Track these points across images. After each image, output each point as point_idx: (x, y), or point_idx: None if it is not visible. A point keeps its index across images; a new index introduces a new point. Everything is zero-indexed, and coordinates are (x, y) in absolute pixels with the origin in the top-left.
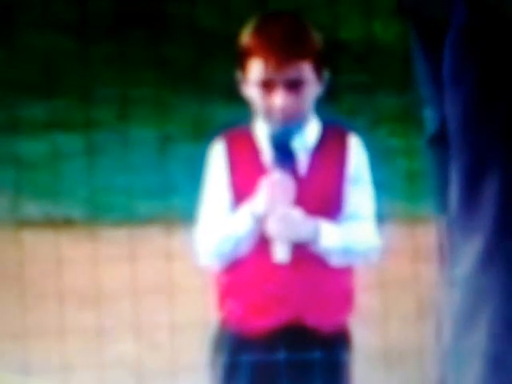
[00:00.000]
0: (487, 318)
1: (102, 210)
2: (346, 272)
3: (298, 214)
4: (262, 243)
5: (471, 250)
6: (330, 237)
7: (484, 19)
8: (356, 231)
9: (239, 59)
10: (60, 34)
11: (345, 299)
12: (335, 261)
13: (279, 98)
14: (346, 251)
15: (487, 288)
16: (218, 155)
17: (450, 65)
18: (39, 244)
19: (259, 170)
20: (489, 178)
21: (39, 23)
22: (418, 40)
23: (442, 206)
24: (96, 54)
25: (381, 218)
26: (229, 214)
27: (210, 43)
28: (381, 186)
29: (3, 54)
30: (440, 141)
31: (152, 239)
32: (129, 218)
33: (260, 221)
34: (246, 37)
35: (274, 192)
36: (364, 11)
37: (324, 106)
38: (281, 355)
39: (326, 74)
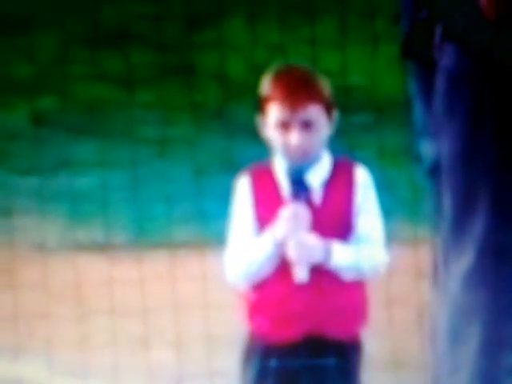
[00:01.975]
0: (476, 334)
1: (145, 236)
2: (358, 288)
3: (312, 239)
4: (284, 265)
5: (460, 268)
6: (341, 255)
7: (474, 62)
8: (365, 249)
9: (259, 105)
10: (108, 84)
11: (358, 312)
12: (347, 276)
13: (294, 137)
14: (356, 267)
15: (476, 305)
16: (243, 188)
17: (441, 103)
18: (90, 266)
19: (279, 201)
20: (478, 204)
21: (90, 74)
22: (417, 81)
23: (438, 228)
24: (139, 100)
25: (386, 239)
26: (253, 240)
27: (236, 89)
28: (386, 211)
29: (60, 101)
30: (436, 171)
31: (188, 261)
32: (168, 241)
33: (280, 246)
34: (264, 86)
35: (291, 221)
36: (370, 59)
37: (335, 142)
38: (302, 362)
39: (336, 115)
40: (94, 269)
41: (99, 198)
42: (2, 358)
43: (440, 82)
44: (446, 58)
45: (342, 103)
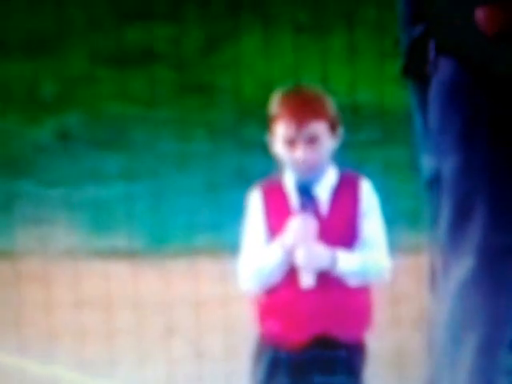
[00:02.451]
0: (475, 337)
1: (165, 243)
2: (363, 293)
3: (319, 247)
4: (293, 272)
5: (460, 272)
6: (346, 262)
7: (468, 75)
8: (369, 257)
9: (269, 124)
10: (130, 101)
11: (363, 316)
12: (352, 282)
13: (300, 153)
14: (361, 273)
15: (475, 308)
16: (255, 201)
17: (435, 115)
18: (115, 271)
19: (288, 212)
20: (475, 210)
21: (113, 92)
22: (415, 98)
23: (436, 236)
24: (159, 116)
25: (390, 246)
26: (264, 248)
27: (250, 107)
28: (390, 221)
29: (85, 117)
30: (434, 183)
31: (206, 266)
32: (186, 249)
33: (289, 253)
34: (273, 106)
35: (299, 230)
36: (378, 78)
37: (343, 156)
38: (310, 362)
39: (340, 131)
40: (118, 274)
41: (123, 209)
42: (35, 357)
43: (434, 95)
44: (440, 71)
45: (350, 120)
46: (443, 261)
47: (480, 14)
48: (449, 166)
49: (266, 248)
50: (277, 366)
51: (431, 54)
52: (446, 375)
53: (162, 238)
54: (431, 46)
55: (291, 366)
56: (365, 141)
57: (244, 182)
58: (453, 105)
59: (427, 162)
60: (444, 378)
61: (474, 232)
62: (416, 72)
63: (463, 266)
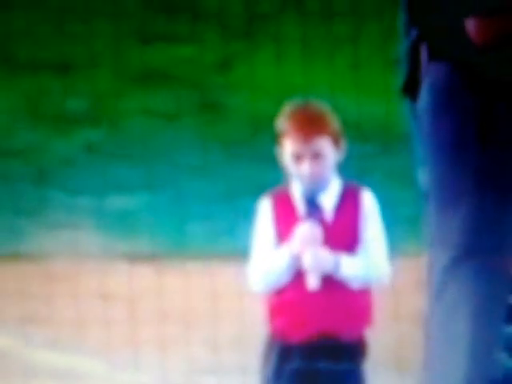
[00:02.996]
0: (468, 309)
1: (185, 247)
2: (364, 295)
3: (324, 252)
4: (299, 275)
5: (441, 265)
6: (348, 267)
7: (459, 78)
8: (370, 261)
9: (277, 139)
10: (152, 117)
11: (364, 316)
12: (354, 284)
13: (306, 167)
14: (362, 277)
15: (457, 298)
16: (265, 208)
17: (428, 118)
18: (140, 274)
19: (295, 219)
20: (457, 213)
21: (136, 108)
22: (413, 116)
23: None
24: (179, 131)
25: (391, 251)
26: (273, 253)
27: (263, 123)
28: (392, 227)
29: (111, 133)
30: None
31: (222, 270)
32: (205, 252)
33: (296, 258)
34: (281, 122)
35: (306, 236)
36: (380, 96)
37: (348, 167)
38: (315, 359)
39: (344, 145)
40: (143, 276)
41: (146, 215)
42: (63, 352)
43: (426, 99)
44: (431, 76)
45: (354, 135)
46: (431, 256)
47: (470, 26)
48: (439, 168)
49: (275, 252)
50: (285, 359)
51: (423, 58)
52: (443, 352)
53: (182, 242)
54: (423, 50)
55: (299, 358)
56: (367, 153)
57: (257, 191)
58: (443, 108)
59: (423, 177)
60: (441, 355)
61: (452, 237)
62: (412, 87)
63: (443, 260)
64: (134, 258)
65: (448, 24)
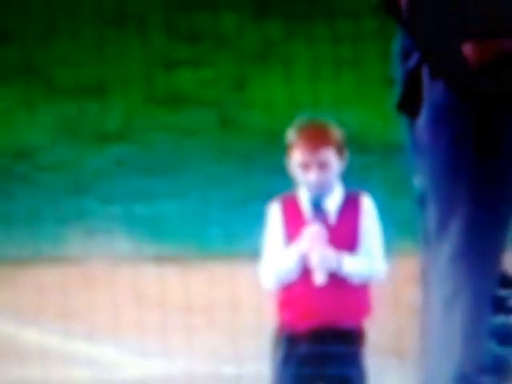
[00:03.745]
0: (463, 299)
1: (209, 249)
2: (364, 289)
3: (328, 251)
4: (306, 271)
5: (442, 256)
6: (350, 264)
7: (457, 96)
8: (369, 260)
9: (286, 151)
10: (178, 133)
11: (364, 308)
12: (355, 280)
13: (313, 175)
14: (362, 273)
15: (458, 282)
16: (275, 212)
17: (427, 134)
18: (166, 273)
19: (303, 222)
20: (453, 218)
21: (165, 126)
22: (409, 130)
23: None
24: (201, 145)
25: (389, 251)
26: (282, 252)
27: (275, 137)
28: (388, 230)
29: (141, 147)
30: (423, 200)
31: (243, 269)
32: (225, 253)
33: (303, 256)
34: (290, 135)
35: (312, 237)
36: (381, 113)
37: (349, 176)
38: (320, 345)
39: (347, 155)
40: (170, 276)
41: (173, 221)
42: (79, 340)
43: (426, 117)
44: (432, 94)
45: (356, 146)
46: (430, 253)
47: (467, 49)
48: (437, 172)
49: (284, 251)
50: (293, 346)
51: (425, 78)
52: (439, 341)
53: (204, 244)
54: (425, 71)
55: (305, 345)
56: (367, 163)
57: (269, 198)
58: (442, 123)
59: (417, 183)
60: (438, 344)
61: (451, 232)
62: (410, 105)
63: (444, 251)
64: (161, 259)
65: (447, 47)
